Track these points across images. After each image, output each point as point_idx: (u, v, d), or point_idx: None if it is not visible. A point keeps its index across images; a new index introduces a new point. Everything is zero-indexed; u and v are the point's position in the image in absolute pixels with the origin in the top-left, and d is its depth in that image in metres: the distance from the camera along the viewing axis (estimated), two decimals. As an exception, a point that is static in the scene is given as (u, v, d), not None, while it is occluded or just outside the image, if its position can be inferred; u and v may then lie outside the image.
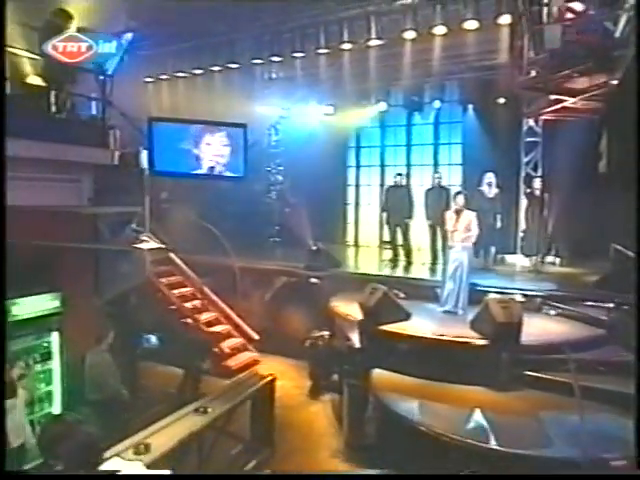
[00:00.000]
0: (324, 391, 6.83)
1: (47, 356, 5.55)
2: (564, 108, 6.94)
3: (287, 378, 6.91)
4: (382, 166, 11.13)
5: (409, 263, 8.85)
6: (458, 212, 6.37)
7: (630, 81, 4.82)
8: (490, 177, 8.25)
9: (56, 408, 5.51)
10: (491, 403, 4.81)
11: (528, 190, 8.57)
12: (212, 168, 6.07)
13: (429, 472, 4.23)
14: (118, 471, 2.14)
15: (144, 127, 6.15)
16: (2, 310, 3.16)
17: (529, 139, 8.98)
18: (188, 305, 6.95)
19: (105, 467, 2.15)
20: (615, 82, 5.33)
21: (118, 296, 6.35)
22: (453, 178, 9.97)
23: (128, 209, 6.12)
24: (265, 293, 8.44)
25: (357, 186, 11.56)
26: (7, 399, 4.19)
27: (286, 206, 10.73)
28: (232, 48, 9.43)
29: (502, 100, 9.06)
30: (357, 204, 11.56)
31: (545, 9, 5.82)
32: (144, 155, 6.11)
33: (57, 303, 5.55)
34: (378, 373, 5.40)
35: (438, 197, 8.39)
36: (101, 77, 5.92)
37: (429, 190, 8.91)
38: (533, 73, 6.49)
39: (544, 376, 5.02)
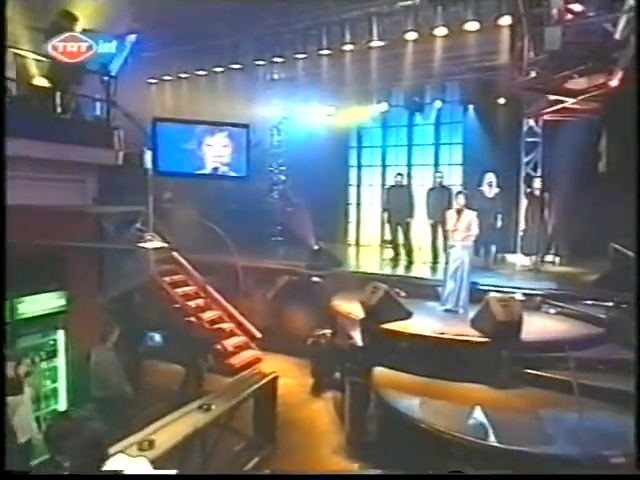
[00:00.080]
0: (326, 389, 6.87)
1: (53, 354, 5.60)
2: (564, 109, 6.98)
3: (289, 376, 6.94)
4: (383, 166, 11.17)
5: (410, 262, 8.87)
6: (459, 212, 6.39)
7: (629, 82, 4.88)
8: (490, 177, 8.30)
9: (61, 405, 5.56)
10: (491, 401, 4.83)
11: (528, 190, 8.62)
12: (216, 169, 6.14)
13: (429, 469, 4.23)
14: (121, 471, 2.15)
15: (148, 128, 6.22)
16: (2, 310, 3.15)
17: (529, 139, 9.03)
18: (191, 304, 6.99)
19: (110, 463, 2.16)
20: (614, 83, 5.38)
21: (122, 294, 6.38)
22: (454, 178, 10.00)
23: (132, 209, 6.15)
24: (267, 292, 8.45)
25: (359, 186, 11.60)
26: (14, 395, 4.24)
27: (288, 206, 10.76)
28: (235, 49, 9.47)
29: (502, 100, 9.10)
30: (359, 204, 11.59)
31: (545, 11, 5.84)
32: (148, 155, 6.18)
33: (63, 301, 5.60)
34: (379, 371, 5.41)
35: (440, 197, 8.41)
36: (105, 78, 5.98)
37: (431, 190, 8.94)
38: (533, 74, 6.52)
39: (544, 374, 5.05)
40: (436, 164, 10.40)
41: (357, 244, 11.48)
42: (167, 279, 6.99)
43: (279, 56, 9.19)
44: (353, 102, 10.16)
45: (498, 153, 9.09)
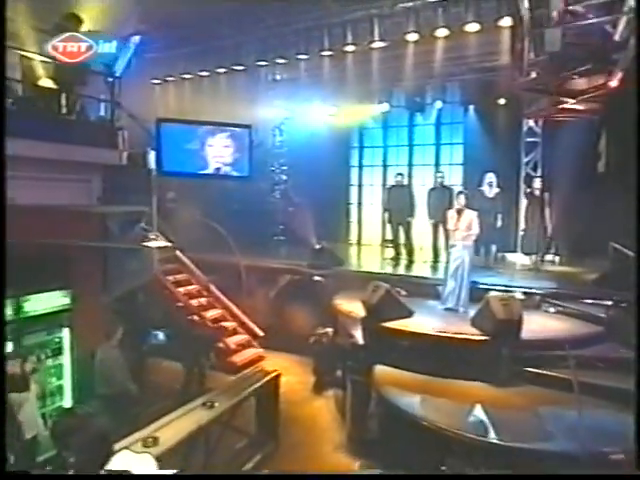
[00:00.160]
0: (328, 387, 6.92)
1: (58, 351, 5.64)
2: (564, 109, 7.00)
3: (291, 374, 6.99)
4: (384, 166, 11.22)
5: (411, 261, 8.90)
6: (459, 211, 6.42)
7: (629, 83, 4.93)
8: (491, 177, 8.34)
9: (67, 402, 5.61)
10: (492, 398, 4.86)
11: (528, 190, 8.65)
12: (219, 169, 6.19)
13: (430, 466, 4.28)
14: (124, 469, 2.19)
15: (152, 128, 6.27)
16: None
17: (529, 139, 9.08)
18: (194, 302, 7.04)
19: (115, 459, 2.22)
20: (614, 84, 5.41)
21: (126, 293, 6.43)
22: (454, 178, 10.06)
23: (136, 208, 6.21)
24: (270, 291, 8.51)
25: (360, 186, 11.65)
26: (20, 392, 4.28)
27: (290, 205, 10.82)
28: (237, 50, 9.51)
29: (503, 101, 9.14)
30: (360, 203, 11.65)
31: (545, 12, 5.87)
32: (152, 155, 6.23)
33: (68, 300, 5.65)
34: (381, 369, 5.45)
35: (441, 196, 8.44)
36: (110, 79, 6.04)
37: (432, 190, 8.98)
38: (533, 75, 6.53)
39: (544, 372, 5.08)
40: (437, 164, 10.46)
41: (358, 243, 11.53)
42: (170, 278, 7.04)
43: (281, 57, 9.23)
44: (354, 102, 10.18)
45: (498, 153, 9.14)
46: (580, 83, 6.13)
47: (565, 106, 6.80)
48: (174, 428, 4.39)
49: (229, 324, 7.15)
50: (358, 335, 5.96)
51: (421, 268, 8.57)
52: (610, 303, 5.82)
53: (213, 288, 7.46)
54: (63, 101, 5.65)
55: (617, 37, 5.49)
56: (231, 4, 7.42)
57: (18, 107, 5.38)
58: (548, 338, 5.50)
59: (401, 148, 11.03)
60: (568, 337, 5.40)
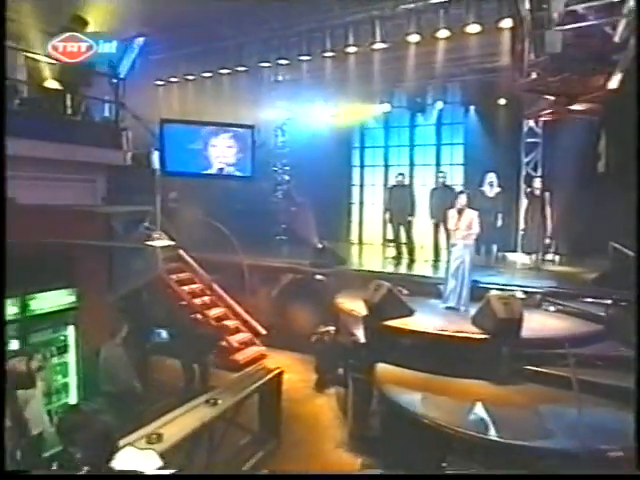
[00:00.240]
0: (329, 384, 6.96)
1: (63, 349, 5.69)
2: (564, 110, 7.04)
3: (293, 372, 7.03)
4: (386, 166, 11.26)
5: (412, 261, 8.93)
6: (460, 211, 6.45)
7: (628, 84, 4.97)
8: (491, 177, 8.39)
9: (72, 399, 5.66)
10: (492, 396, 4.88)
11: (528, 189, 8.69)
12: (222, 169, 6.25)
13: (431, 463, 4.29)
14: (128, 470, 2.22)
15: (155, 129, 6.33)
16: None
17: (529, 140, 9.14)
18: (198, 301, 7.09)
19: (120, 455, 2.24)
20: (614, 85, 5.45)
21: (131, 292, 6.47)
22: (455, 178, 10.10)
23: (140, 208, 6.26)
24: (272, 289, 8.54)
25: (361, 186, 11.70)
26: (26, 389, 4.33)
27: (292, 205, 10.87)
28: (240, 52, 9.57)
29: (503, 102, 9.18)
30: (361, 203, 11.69)
31: (545, 14, 5.91)
32: (155, 155, 6.30)
33: (73, 298, 5.70)
34: (382, 367, 5.47)
35: (443, 196, 8.43)
36: (114, 80, 6.10)
37: (434, 190, 9.02)
38: (534, 75, 6.55)
39: (543, 370, 5.10)
40: (438, 164, 10.50)
41: (360, 243, 11.58)
42: (174, 277, 7.09)
43: (283, 58, 9.27)
44: (356, 103, 10.22)
45: (499, 153, 9.19)
46: (580, 84, 6.16)
47: (565, 107, 6.84)
48: (178, 425, 4.43)
49: (232, 322, 7.20)
50: (360, 333, 5.99)
51: (422, 267, 8.59)
52: (610, 302, 5.84)
53: (216, 287, 7.50)
54: (68, 102, 5.70)
55: (617, 39, 5.54)
56: (234, 6, 7.46)
57: (24, 108, 5.45)
58: (548, 337, 5.52)
59: (402, 148, 11.07)
60: (568, 336, 5.42)
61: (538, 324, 5.77)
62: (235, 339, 6.90)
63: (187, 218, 7.67)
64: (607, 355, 5.19)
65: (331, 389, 6.92)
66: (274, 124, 11.35)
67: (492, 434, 4.27)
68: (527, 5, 6.17)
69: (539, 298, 6.55)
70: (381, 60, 8.53)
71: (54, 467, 2.38)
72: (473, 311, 5.93)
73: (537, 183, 8.26)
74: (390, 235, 9.81)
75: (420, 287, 7.14)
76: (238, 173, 6.44)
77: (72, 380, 5.75)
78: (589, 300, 6.23)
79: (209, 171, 6.37)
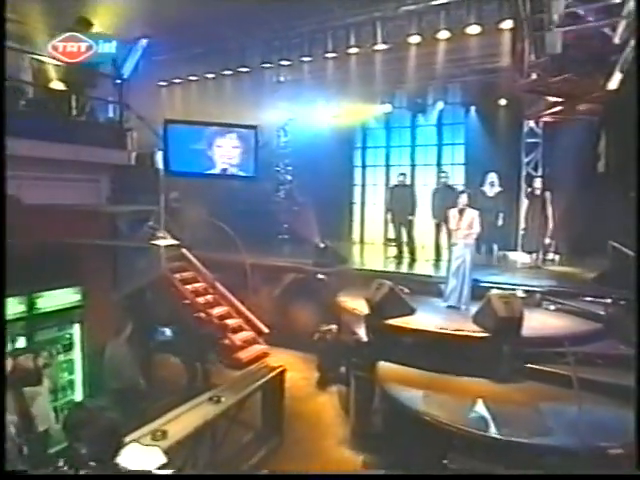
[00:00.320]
0: (332, 383, 7.01)
1: (69, 347, 5.77)
2: (564, 110, 7.09)
3: (296, 370, 7.08)
4: (387, 166, 11.31)
5: (413, 260, 8.97)
6: (461, 211, 6.49)
7: (628, 84, 5.01)
8: (492, 177, 8.44)
9: (78, 396, 5.73)
10: (493, 394, 4.92)
11: (529, 189, 8.72)
12: (225, 169, 6.29)
13: (432, 460, 4.34)
14: (126, 468, 2.22)
15: (159, 129, 6.38)
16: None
17: (529, 140, 9.19)
18: (201, 300, 7.13)
19: (125, 452, 2.25)
20: (613, 85, 5.49)
21: (135, 291, 6.54)
22: (456, 178, 10.12)
23: (145, 208, 6.31)
24: (274, 288, 8.61)
25: (363, 185, 11.74)
26: (33, 386, 4.39)
27: (294, 205, 10.93)
28: (243, 53, 9.65)
29: (503, 102, 9.22)
30: (363, 203, 11.74)
31: (546, 16, 5.95)
32: (159, 156, 6.35)
33: (78, 297, 5.78)
34: (384, 365, 5.50)
35: (445, 196, 8.44)
36: (118, 81, 6.16)
37: (436, 190, 9.06)
38: (534, 76, 6.59)
39: (544, 368, 5.13)
40: (438, 164, 10.54)
41: (361, 242, 11.62)
42: (177, 276, 7.12)
43: (286, 59, 9.36)
44: (358, 103, 10.26)
45: (499, 153, 9.23)
46: (580, 85, 6.20)
47: (565, 107, 6.89)
48: (182, 422, 4.49)
49: (234, 321, 7.24)
50: (362, 332, 6.02)
51: (423, 266, 8.63)
52: (609, 301, 5.88)
53: (219, 286, 7.55)
54: (73, 103, 5.76)
55: (617, 40, 5.58)
56: (236, 7, 7.51)
57: (30, 109, 5.51)
58: (548, 335, 5.55)
59: (403, 148, 11.11)
60: (568, 334, 5.45)
61: (538, 323, 5.80)
62: (238, 337, 6.93)
63: (190, 218, 7.72)
64: (607, 353, 5.22)
65: (333, 387, 6.98)
66: (276, 124, 11.40)
67: (493, 431, 4.30)
68: (527, 6, 6.22)
69: (539, 297, 6.58)
70: (382, 61, 8.59)
71: (60, 463, 2.40)
72: (474, 310, 5.97)
73: (537, 183, 8.29)
74: (391, 235, 9.86)
75: (421, 286, 7.17)
76: (241, 173, 6.47)
77: (77, 377, 5.83)
78: (589, 299, 6.27)
79: (212, 171, 6.41)
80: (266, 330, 7.28)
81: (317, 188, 10.13)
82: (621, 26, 5.49)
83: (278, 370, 5.91)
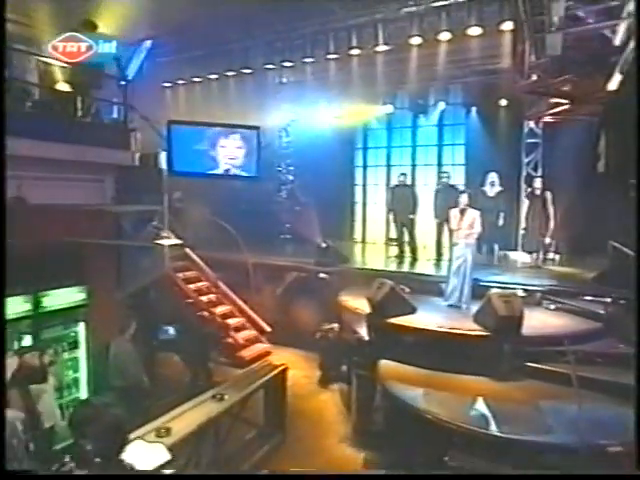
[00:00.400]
0: (333, 381, 7.05)
1: (74, 345, 5.81)
2: (564, 111, 7.13)
3: (298, 368, 7.12)
4: (388, 166, 11.34)
5: (414, 259, 9.01)
6: (462, 211, 6.52)
7: (628, 86, 5.04)
8: (493, 177, 8.47)
9: (83, 394, 5.78)
10: (493, 392, 4.95)
11: (529, 189, 8.74)
12: (228, 169, 6.34)
13: (433, 458, 4.37)
14: (129, 465, 2.24)
15: (163, 130, 6.43)
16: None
17: (530, 140, 9.21)
18: (204, 298, 7.18)
19: (129, 448, 2.29)
20: (613, 86, 5.53)
21: (139, 289, 6.58)
22: (456, 178, 10.16)
23: (149, 207, 6.36)
24: (277, 288, 8.66)
25: (364, 185, 11.78)
26: (39, 384, 4.44)
27: (296, 205, 10.96)
28: (245, 54, 9.71)
29: (504, 103, 9.25)
30: (364, 203, 11.77)
31: (546, 18, 5.99)
32: (163, 156, 6.41)
33: (83, 296, 5.82)
34: (385, 364, 5.52)
35: (447, 196, 8.43)
36: (123, 82, 6.21)
37: (438, 189, 9.10)
38: (534, 77, 6.65)
39: (544, 367, 5.16)
40: (439, 164, 10.57)
41: (363, 242, 11.65)
42: (181, 275, 7.18)
43: (288, 60, 9.42)
44: (359, 104, 10.29)
45: (500, 154, 9.26)
46: (580, 86, 6.25)
47: (565, 108, 6.93)
48: (186, 419, 4.53)
49: (237, 320, 7.30)
50: (363, 331, 6.05)
51: (424, 266, 8.66)
52: (609, 300, 5.91)
53: (222, 285, 7.60)
54: (79, 104, 5.82)
55: (616, 42, 5.62)
56: (239, 9, 7.57)
57: (36, 110, 5.57)
58: (548, 334, 5.58)
59: (404, 149, 11.14)
60: (568, 333, 5.47)
61: (538, 322, 5.82)
62: (240, 336, 6.99)
63: (193, 217, 7.78)
64: (606, 352, 5.24)
65: (335, 385, 7.02)
66: (279, 125, 11.43)
67: (493, 429, 4.33)
68: (528, 9, 6.26)
69: (539, 296, 6.61)
70: (384, 62, 8.64)
71: (66, 459, 2.42)
72: (474, 309, 5.99)
73: (537, 183, 8.31)
74: (393, 234, 9.90)
75: (422, 285, 7.20)
76: (244, 173, 6.51)
77: (82, 375, 5.87)
78: (589, 298, 6.29)
79: (215, 171, 6.44)
80: (268, 329, 7.33)
81: (319, 188, 10.18)
82: (621, 28, 5.54)
83: (280, 368, 5.95)
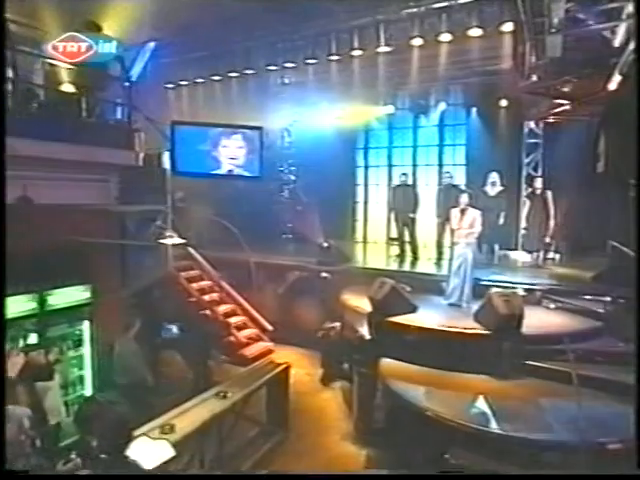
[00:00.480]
0: (335, 379, 7.07)
1: (79, 343, 5.84)
2: (564, 111, 7.16)
3: (300, 366, 7.16)
4: (389, 166, 11.39)
5: (415, 259, 9.05)
6: (463, 210, 6.56)
7: (627, 86, 5.09)
8: (493, 177, 8.50)
9: (88, 391, 5.81)
10: (493, 390, 4.97)
11: (529, 189, 8.80)
12: (231, 170, 6.40)
13: (434, 455, 4.39)
14: (133, 461, 2.28)
15: (167, 130, 6.50)
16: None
17: (530, 140, 9.26)
18: (206, 297, 7.24)
19: (134, 445, 2.32)
20: (613, 87, 5.58)
21: (143, 288, 6.64)
22: (457, 178, 10.21)
23: (152, 207, 6.42)
24: (279, 287, 8.69)
25: (366, 185, 11.82)
26: (44, 381, 4.50)
27: (298, 204, 11.04)
28: (248, 55, 9.75)
29: (504, 103, 9.29)
30: (366, 202, 11.82)
31: (546, 19, 6.03)
32: (166, 156, 6.47)
33: (88, 294, 5.85)
34: (386, 362, 5.56)
35: (449, 195, 8.42)
36: (127, 84, 6.27)
37: (440, 189, 9.15)
38: (534, 78, 6.67)
39: (544, 365, 5.18)
40: (440, 164, 10.62)
41: (364, 241, 11.70)
42: (184, 274, 7.24)
43: (290, 61, 9.46)
44: (361, 105, 10.34)
45: (500, 154, 9.29)
46: (580, 86, 6.28)
47: (565, 108, 6.96)
48: (190, 417, 4.58)
49: (240, 318, 7.35)
50: (364, 330, 6.08)
51: (425, 265, 8.70)
52: (608, 299, 5.94)
53: (224, 284, 7.65)
54: (84, 105, 5.85)
55: (616, 43, 5.67)
56: (241, 11, 7.62)
57: (41, 111, 5.63)
58: (548, 333, 5.61)
59: (405, 149, 11.19)
60: (568, 332, 5.50)
61: (538, 320, 5.84)
62: (243, 335, 7.05)
63: (196, 217, 7.83)
64: (606, 350, 5.28)
65: (337, 383, 7.04)
66: (281, 126, 11.50)
67: (493, 427, 4.37)
68: (528, 10, 6.30)
69: (539, 295, 6.65)
70: (385, 63, 8.68)
71: (72, 455, 2.45)
72: (475, 308, 6.03)
73: (538, 183, 8.35)
74: (394, 234, 9.94)
75: (423, 284, 7.23)
76: (246, 173, 6.56)
77: (87, 373, 5.91)
78: (588, 297, 6.32)
79: (218, 171, 6.50)
80: (270, 327, 7.38)
81: (321, 188, 10.23)
82: (620, 29, 5.58)
83: (283, 366, 5.99)
